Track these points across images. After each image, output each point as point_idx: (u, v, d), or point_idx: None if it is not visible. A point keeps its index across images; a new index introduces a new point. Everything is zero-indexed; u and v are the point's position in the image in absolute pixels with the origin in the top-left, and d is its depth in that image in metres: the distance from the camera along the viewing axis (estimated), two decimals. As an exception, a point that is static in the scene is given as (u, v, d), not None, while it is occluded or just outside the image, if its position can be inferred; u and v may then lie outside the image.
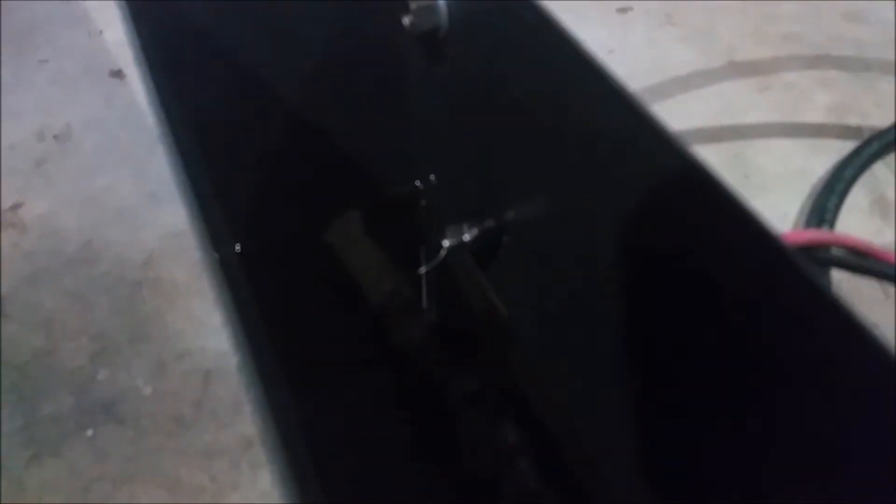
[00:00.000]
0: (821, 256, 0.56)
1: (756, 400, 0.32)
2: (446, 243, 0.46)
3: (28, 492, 0.52)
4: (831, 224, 0.63)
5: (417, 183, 0.60)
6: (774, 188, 0.68)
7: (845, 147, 0.73)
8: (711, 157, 0.72)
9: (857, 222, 0.66)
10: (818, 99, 0.79)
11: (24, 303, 0.63)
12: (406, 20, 0.42)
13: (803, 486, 0.31)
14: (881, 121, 0.76)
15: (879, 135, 0.70)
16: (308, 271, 0.53)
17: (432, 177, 0.60)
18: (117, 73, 0.87)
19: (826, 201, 0.64)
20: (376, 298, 0.48)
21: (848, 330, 0.27)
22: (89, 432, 0.55)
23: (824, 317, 0.28)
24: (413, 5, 0.42)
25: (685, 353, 0.34)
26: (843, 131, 0.75)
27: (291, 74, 0.54)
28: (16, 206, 0.71)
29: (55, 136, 0.78)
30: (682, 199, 0.32)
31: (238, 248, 0.58)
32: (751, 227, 0.30)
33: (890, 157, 0.71)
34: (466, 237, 0.46)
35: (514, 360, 0.44)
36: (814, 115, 0.77)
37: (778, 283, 0.30)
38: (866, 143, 0.69)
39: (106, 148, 0.78)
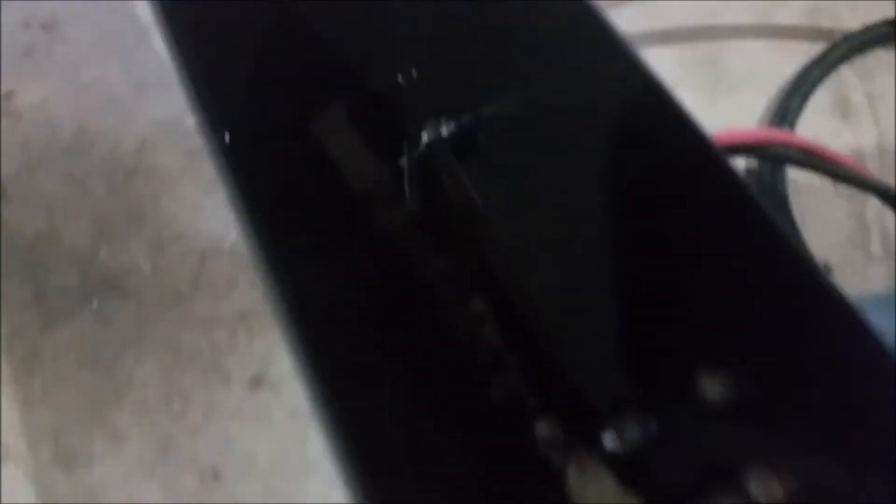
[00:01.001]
0: (776, 153, 0.65)
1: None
2: (425, 138, 0.54)
3: (43, 355, 0.62)
4: (792, 123, 0.71)
5: (399, 77, 0.68)
6: (744, 89, 0.76)
7: (815, 49, 0.81)
8: (687, 58, 0.80)
9: (817, 122, 0.74)
10: (793, 2, 0.86)
11: (24, 188, 0.72)
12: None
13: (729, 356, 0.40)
14: (853, 24, 0.84)
15: (847, 38, 0.77)
16: (295, 161, 0.61)
17: (414, 71, 0.67)
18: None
19: (790, 102, 0.72)
20: (360, 188, 0.57)
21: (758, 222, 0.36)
22: (95, 304, 0.64)
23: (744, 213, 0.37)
24: None
25: (635, 246, 0.43)
26: (814, 34, 0.82)
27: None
28: (9, 95, 0.79)
29: (42, 26, 0.85)
30: (639, 111, 0.40)
31: (227, 137, 0.66)
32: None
33: (857, 60, 0.79)
34: (444, 132, 0.54)
35: (487, 246, 0.53)
36: (788, 17, 0.84)
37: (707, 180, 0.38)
38: (834, 47, 0.77)
39: (94, 37, 0.84)
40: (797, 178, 0.71)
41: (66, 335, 0.62)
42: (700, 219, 0.41)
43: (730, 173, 0.39)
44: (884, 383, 0.33)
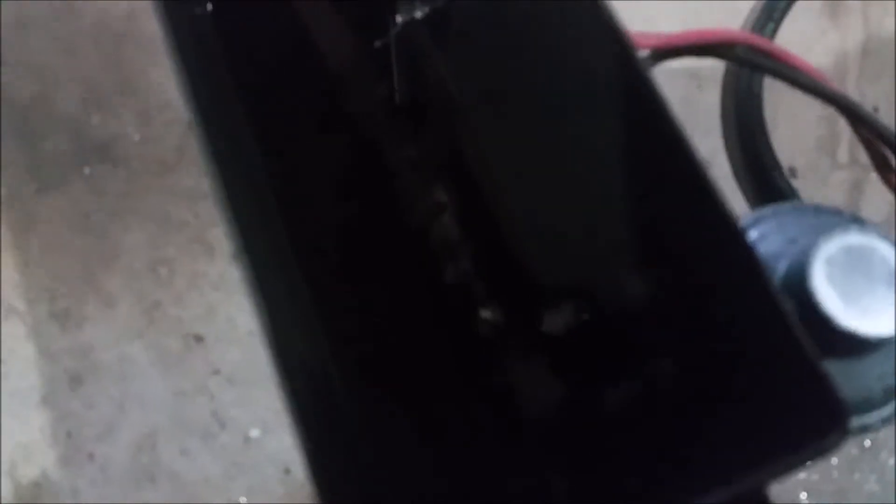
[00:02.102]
0: (735, 55, 0.69)
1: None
2: (398, 19, 0.59)
3: (38, 218, 0.69)
4: (778, 22, 0.75)
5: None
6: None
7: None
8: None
9: (805, 22, 0.78)
10: None
11: (17, 50, 0.77)
12: None
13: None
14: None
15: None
16: (275, 35, 0.66)
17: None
18: None
19: (776, 2, 0.76)
20: (336, 68, 0.62)
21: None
22: (86, 170, 0.71)
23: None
24: None
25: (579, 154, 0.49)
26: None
27: None
28: (-3, -50, 0.82)
29: None
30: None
31: (209, 6, 0.70)
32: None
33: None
34: (418, 14, 0.59)
35: (455, 134, 0.58)
36: None
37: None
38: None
39: None
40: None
41: (60, 200, 0.69)
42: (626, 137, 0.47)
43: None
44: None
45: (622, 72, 0.45)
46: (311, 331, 0.55)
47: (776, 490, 0.63)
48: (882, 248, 0.42)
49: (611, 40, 0.45)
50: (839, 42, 0.78)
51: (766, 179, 0.67)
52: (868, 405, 0.46)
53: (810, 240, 0.43)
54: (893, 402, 0.47)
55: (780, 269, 0.45)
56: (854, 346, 0.42)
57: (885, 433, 0.61)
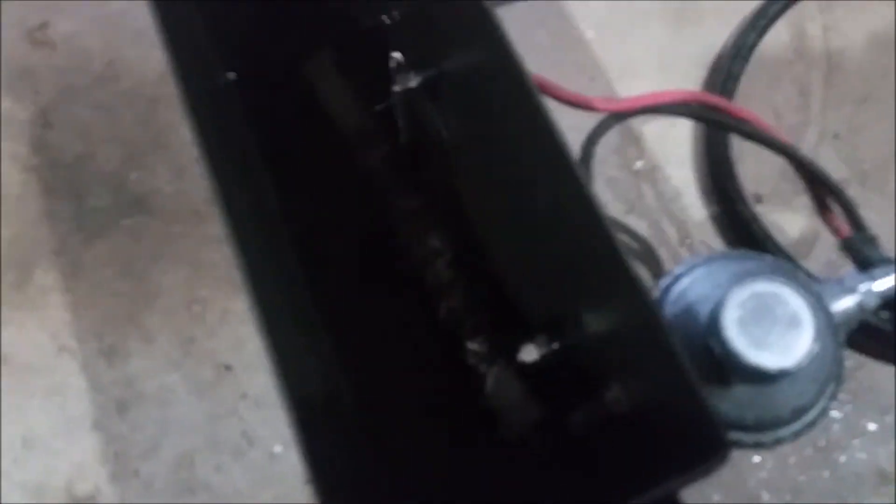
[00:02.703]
0: (692, 112, 0.76)
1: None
2: (396, 88, 0.67)
3: (84, 265, 0.77)
4: (746, 58, 0.81)
5: (385, 18, 0.80)
6: (707, 21, 0.86)
7: (784, -21, 0.89)
8: (658, -13, 0.90)
9: (773, 53, 0.84)
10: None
11: (63, 115, 0.86)
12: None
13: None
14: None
15: (811, -29, 0.86)
16: (287, 103, 0.74)
17: (395, 13, 0.79)
18: None
19: (746, 37, 0.82)
20: (345, 128, 0.70)
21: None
22: (127, 221, 0.79)
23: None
24: None
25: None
26: (787, -38, 0.91)
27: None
28: (43, 26, 0.92)
29: (70, -45, 0.97)
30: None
31: (232, 76, 0.79)
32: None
33: (820, -8, 0.88)
34: (413, 84, 0.66)
35: (448, 186, 0.66)
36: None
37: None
38: (796, -19, 0.85)
39: (118, -33, 0.96)
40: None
41: (104, 249, 0.78)
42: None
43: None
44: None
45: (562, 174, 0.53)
46: (319, 359, 0.63)
47: (740, 492, 0.69)
48: (785, 293, 0.50)
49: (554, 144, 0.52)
50: (804, 73, 0.84)
51: (730, 206, 0.73)
52: (780, 422, 0.53)
53: (728, 284, 0.50)
54: (800, 419, 0.53)
55: (705, 311, 0.52)
56: (764, 376, 0.49)
57: (839, 433, 0.67)
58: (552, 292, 0.60)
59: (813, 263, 0.73)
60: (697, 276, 0.56)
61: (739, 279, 0.50)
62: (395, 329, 0.64)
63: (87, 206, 0.81)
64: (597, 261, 0.53)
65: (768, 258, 0.60)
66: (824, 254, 0.75)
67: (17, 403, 0.72)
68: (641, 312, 0.49)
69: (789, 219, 0.75)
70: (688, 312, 0.53)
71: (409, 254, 0.68)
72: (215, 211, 0.81)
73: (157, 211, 0.80)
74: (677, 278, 0.56)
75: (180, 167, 0.83)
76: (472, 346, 0.60)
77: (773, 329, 0.49)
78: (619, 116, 0.73)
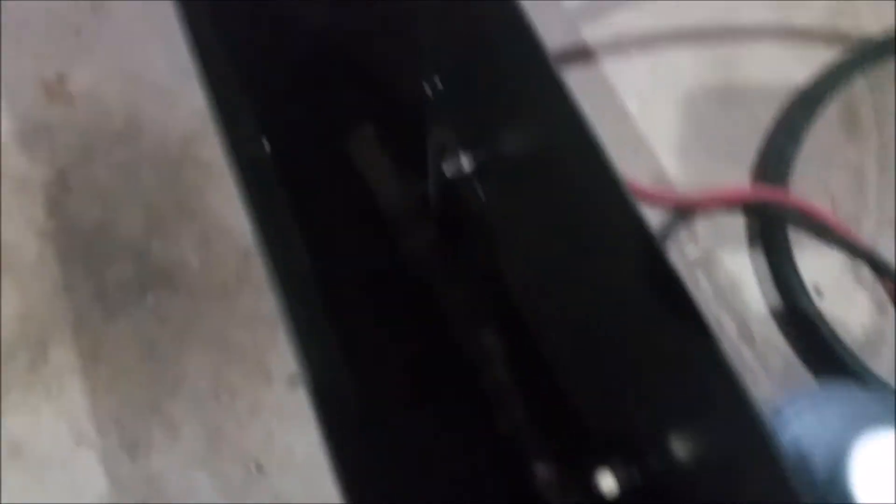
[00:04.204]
0: (770, 212, 0.70)
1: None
2: (447, 173, 0.60)
3: (106, 347, 0.70)
4: (798, 140, 0.76)
5: (426, 86, 0.73)
6: (756, 97, 0.80)
7: (831, 55, 0.84)
8: (701, 62, 0.84)
9: (824, 134, 0.78)
10: (814, 2, 0.88)
11: (81, 176, 0.78)
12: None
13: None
14: (872, 25, 0.86)
15: (860, 48, 0.80)
16: (327, 176, 0.67)
17: (437, 80, 0.72)
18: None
19: (796, 118, 0.76)
20: (387, 210, 0.63)
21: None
22: (150, 297, 0.72)
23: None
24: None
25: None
26: (832, 37, 0.85)
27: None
28: (61, 78, 0.84)
29: (90, 3, 0.89)
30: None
31: (267, 146, 0.71)
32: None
33: (869, 71, 0.82)
34: (466, 168, 0.60)
35: (503, 279, 0.59)
36: (808, 18, 0.87)
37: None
38: (845, 59, 0.80)
39: (140, 17, 0.89)
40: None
41: (126, 327, 0.70)
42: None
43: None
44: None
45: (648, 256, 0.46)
46: (375, 464, 0.55)
47: None
48: None
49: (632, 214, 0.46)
50: (856, 157, 0.79)
51: (793, 302, 0.67)
52: None
53: (847, 432, 0.44)
54: None
55: (821, 458, 0.46)
56: None
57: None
58: (630, 408, 0.54)
59: (880, 364, 0.67)
60: (806, 418, 0.50)
61: (857, 425, 0.44)
62: (449, 442, 0.57)
63: (107, 278, 0.73)
64: (692, 375, 0.46)
65: (878, 394, 0.54)
66: (891, 353, 0.69)
67: (31, 501, 0.65)
68: (756, 447, 0.42)
69: (853, 314, 0.69)
70: (797, 457, 0.47)
71: (461, 352, 0.61)
72: (246, 285, 0.74)
73: (182, 285, 0.73)
74: (781, 415, 0.50)
75: (207, 236, 0.75)
76: (541, 470, 0.53)
77: None
78: (687, 212, 0.67)
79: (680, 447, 0.50)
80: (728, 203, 0.69)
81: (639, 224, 0.47)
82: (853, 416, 0.49)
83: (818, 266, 0.71)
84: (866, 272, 0.71)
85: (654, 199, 0.69)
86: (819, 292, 0.70)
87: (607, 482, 0.50)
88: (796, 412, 0.51)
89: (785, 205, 0.68)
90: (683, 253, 0.72)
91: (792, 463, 0.45)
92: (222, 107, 0.62)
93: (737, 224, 0.75)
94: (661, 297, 0.47)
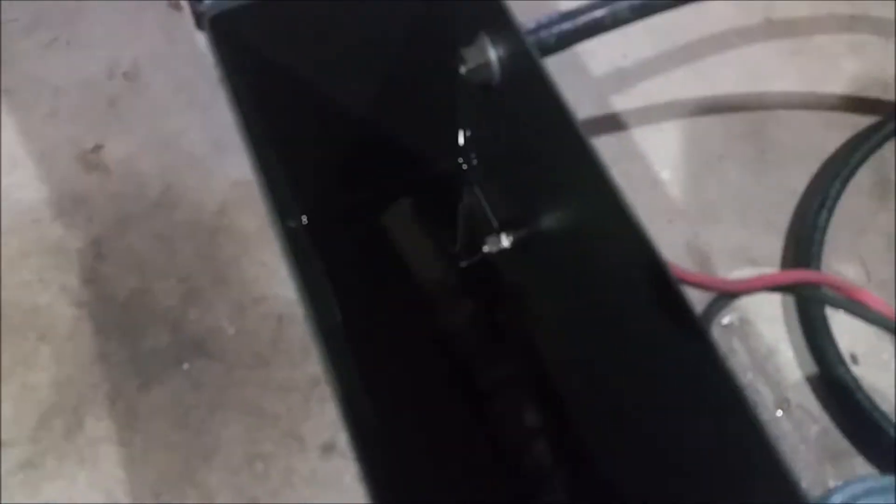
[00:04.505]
0: (813, 295, 0.71)
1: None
2: (486, 249, 0.62)
3: (140, 414, 0.71)
4: (831, 210, 0.77)
5: (461, 161, 0.75)
6: (787, 164, 0.82)
7: (862, 122, 0.86)
8: (734, 128, 0.86)
9: (856, 202, 0.80)
10: (845, 66, 0.91)
11: (117, 245, 0.80)
12: (462, 69, 0.56)
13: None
14: (902, 94, 0.88)
15: (890, 117, 0.82)
16: (364, 249, 0.69)
17: (473, 157, 0.74)
18: (175, 4, 1.00)
19: (830, 187, 0.78)
20: (424, 283, 0.65)
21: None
22: (185, 366, 0.73)
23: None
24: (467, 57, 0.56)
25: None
26: (862, 105, 0.87)
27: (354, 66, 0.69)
28: (97, 148, 0.87)
29: (124, 75, 0.93)
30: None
31: (305, 220, 0.74)
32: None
33: (901, 137, 0.84)
34: (505, 244, 0.61)
35: (540, 352, 0.61)
36: (838, 85, 0.89)
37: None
38: (876, 127, 0.82)
39: (173, 87, 0.92)
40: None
41: (161, 396, 0.71)
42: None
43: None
44: None
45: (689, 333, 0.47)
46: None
47: None
48: None
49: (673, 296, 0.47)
50: (888, 223, 0.80)
51: (829, 369, 0.68)
52: None
53: None
54: None
55: None
56: None
57: None
58: (670, 485, 0.54)
59: (919, 434, 0.68)
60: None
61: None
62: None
63: (142, 347, 0.75)
64: (735, 460, 0.47)
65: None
66: (928, 422, 0.69)
67: (66, 572, 0.66)
68: None
69: (888, 381, 0.70)
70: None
71: (500, 434, 0.62)
72: (281, 353, 0.76)
73: (217, 354, 0.74)
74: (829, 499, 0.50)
75: (242, 305, 0.77)
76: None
77: None
78: (731, 296, 0.68)
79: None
80: (772, 287, 0.69)
81: (683, 308, 0.48)
82: None
83: (854, 334, 0.72)
84: (903, 341, 0.72)
85: (698, 284, 0.70)
86: (855, 360, 0.71)
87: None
88: (847, 499, 0.52)
89: (826, 284, 0.69)
90: (719, 319, 0.74)
91: None
92: (267, 181, 0.65)
93: (773, 293, 0.76)
94: (701, 381, 0.48)
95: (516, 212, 0.65)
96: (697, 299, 0.71)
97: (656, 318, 0.51)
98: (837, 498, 0.50)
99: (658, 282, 0.49)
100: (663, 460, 0.53)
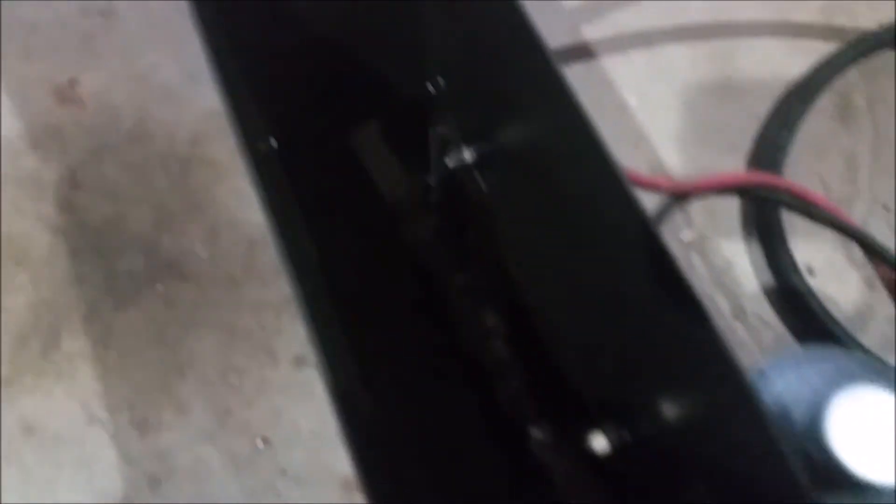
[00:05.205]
0: (762, 195, 0.76)
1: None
2: (449, 163, 0.66)
3: (115, 332, 0.76)
4: (792, 128, 0.82)
5: (429, 86, 0.79)
6: (752, 90, 0.87)
7: (827, 49, 0.90)
8: (698, 57, 0.90)
9: (818, 124, 0.84)
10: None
11: (92, 175, 0.85)
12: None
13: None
14: (870, 22, 0.92)
15: (855, 42, 0.87)
16: (333, 171, 0.73)
17: (440, 80, 0.79)
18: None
19: (792, 108, 0.83)
20: (391, 199, 0.70)
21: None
22: (159, 287, 0.78)
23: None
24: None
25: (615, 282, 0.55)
26: (829, 32, 0.92)
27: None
28: (72, 82, 0.91)
29: (100, 12, 0.97)
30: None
31: (273, 143, 0.78)
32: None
33: (864, 61, 0.88)
34: (468, 159, 0.66)
35: (501, 262, 0.66)
36: (804, 13, 0.93)
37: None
38: (841, 50, 0.86)
39: (148, 23, 0.96)
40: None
41: (136, 315, 0.76)
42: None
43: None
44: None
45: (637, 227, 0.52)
46: (377, 440, 0.61)
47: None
48: (887, 400, 0.48)
49: (623, 194, 0.52)
50: (850, 144, 0.85)
51: (785, 279, 0.73)
52: None
53: (826, 388, 0.49)
54: None
55: (801, 413, 0.51)
56: (867, 487, 0.47)
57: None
58: (621, 374, 0.59)
59: (869, 338, 0.72)
60: (788, 376, 0.55)
61: (836, 382, 0.49)
62: (450, 410, 0.63)
63: (117, 269, 0.79)
64: (683, 344, 0.51)
65: (857, 356, 0.59)
66: (879, 328, 0.74)
67: (46, 476, 0.70)
68: (741, 405, 0.47)
69: (843, 292, 0.75)
70: (779, 414, 0.52)
71: (463, 331, 0.66)
72: (252, 276, 0.80)
73: (190, 276, 0.79)
74: (765, 376, 0.55)
75: (215, 230, 0.81)
76: (536, 433, 0.58)
77: (878, 439, 0.48)
78: (682, 197, 0.73)
79: (669, 409, 0.55)
80: (722, 187, 0.74)
81: (634, 207, 0.53)
82: (832, 375, 0.54)
83: (811, 248, 0.77)
84: (857, 253, 0.76)
85: (650, 186, 0.74)
86: (811, 272, 0.75)
87: (599, 442, 0.56)
88: (780, 371, 0.56)
89: (777, 187, 0.74)
90: (679, 236, 0.78)
91: (774, 417, 0.51)
92: (235, 106, 0.69)
93: (732, 208, 0.81)
94: (653, 273, 0.53)
95: (482, 131, 0.70)
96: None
97: (609, 219, 0.56)
98: (767, 367, 0.55)
99: (612, 185, 0.54)
100: (614, 350, 0.58)
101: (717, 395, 0.50)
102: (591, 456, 0.58)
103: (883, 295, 0.74)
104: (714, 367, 0.48)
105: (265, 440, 0.70)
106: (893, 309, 0.73)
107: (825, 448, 0.48)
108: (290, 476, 0.69)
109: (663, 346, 0.54)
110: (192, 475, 0.69)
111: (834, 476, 0.47)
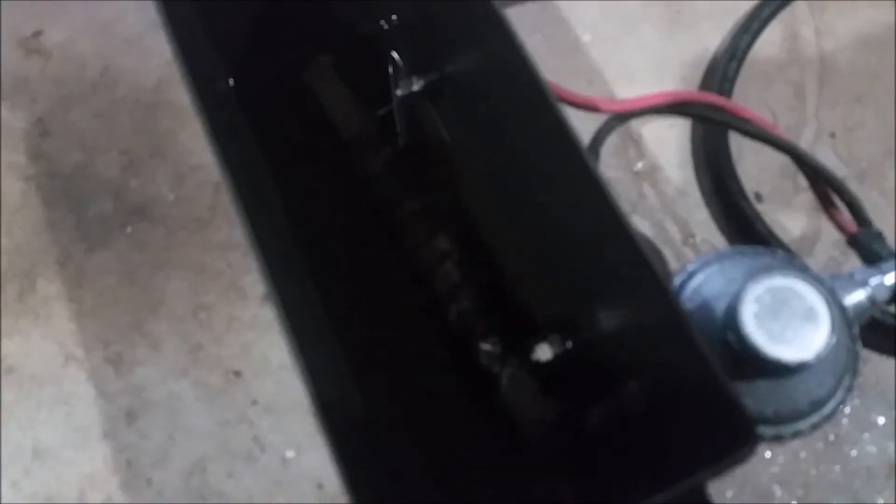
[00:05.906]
0: (691, 111, 0.78)
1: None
2: (398, 92, 0.68)
3: (88, 274, 0.77)
4: (741, 61, 0.83)
5: (382, 23, 0.80)
6: (701, 24, 0.88)
7: (775, -17, 0.91)
8: (651, -7, 0.91)
9: (766, 56, 0.86)
10: (763, -69, 0.96)
11: (60, 123, 0.86)
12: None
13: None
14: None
15: (802, -26, 0.88)
16: (288, 108, 0.74)
17: (394, 17, 0.80)
18: None
19: (739, 40, 0.84)
20: (346, 132, 0.71)
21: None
22: (129, 229, 0.79)
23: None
24: None
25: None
26: (777, -34, 0.93)
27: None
28: (36, 34, 0.92)
29: (61, -37, 0.97)
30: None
31: (231, 82, 0.79)
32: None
33: (813, -4, 0.90)
34: (415, 88, 0.67)
35: (452, 188, 0.67)
36: (754, -51, 0.94)
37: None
38: (787, -17, 0.87)
39: (109, -26, 0.96)
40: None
41: (107, 257, 0.78)
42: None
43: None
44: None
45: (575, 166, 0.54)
46: (335, 363, 0.63)
47: (753, 487, 0.70)
48: (800, 287, 0.51)
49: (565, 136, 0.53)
50: (798, 76, 0.86)
51: (732, 205, 0.75)
52: (799, 415, 0.55)
53: (745, 281, 0.52)
54: (818, 412, 0.55)
55: (721, 306, 0.54)
56: (781, 369, 0.50)
57: (848, 427, 0.69)
58: (564, 291, 0.61)
59: (815, 261, 0.75)
60: (711, 272, 0.57)
61: (754, 274, 0.51)
62: (405, 332, 0.65)
63: (88, 214, 0.81)
64: (613, 258, 0.54)
65: (780, 254, 0.61)
66: (826, 251, 0.76)
67: (25, 414, 0.72)
68: (662, 308, 0.50)
69: (790, 217, 0.77)
70: (703, 308, 0.54)
71: (417, 256, 0.68)
72: (219, 217, 0.82)
73: (159, 218, 0.80)
74: (691, 275, 0.58)
75: (180, 174, 0.83)
76: (485, 347, 0.61)
77: (790, 323, 0.50)
78: (622, 118, 0.75)
79: (605, 318, 0.58)
80: (656, 105, 0.76)
81: (560, 123, 0.54)
82: (752, 269, 0.56)
83: (759, 174, 0.79)
84: (804, 180, 0.79)
85: (586, 105, 0.75)
86: (760, 198, 0.78)
87: (543, 351, 0.58)
88: (702, 268, 0.59)
89: (713, 105, 0.76)
90: (630, 166, 0.80)
91: (689, 313, 0.53)
92: (185, 48, 0.70)
93: (683, 139, 0.83)
94: (580, 191, 0.55)
95: (431, 64, 0.71)
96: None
97: (542, 140, 0.58)
98: (692, 266, 0.57)
99: (543, 106, 0.55)
100: (564, 275, 0.61)
101: (640, 299, 0.53)
102: (536, 364, 0.61)
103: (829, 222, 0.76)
104: (634, 272, 0.50)
105: (236, 373, 0.72)
106: (838, 233, 0.75)
107: (742, 335, 0.51)
108: (261, 405, 0.71)
109: (595, 259, 0.57)
110: (167, 408, 0.72)
111: (753, 361, 0.50)
